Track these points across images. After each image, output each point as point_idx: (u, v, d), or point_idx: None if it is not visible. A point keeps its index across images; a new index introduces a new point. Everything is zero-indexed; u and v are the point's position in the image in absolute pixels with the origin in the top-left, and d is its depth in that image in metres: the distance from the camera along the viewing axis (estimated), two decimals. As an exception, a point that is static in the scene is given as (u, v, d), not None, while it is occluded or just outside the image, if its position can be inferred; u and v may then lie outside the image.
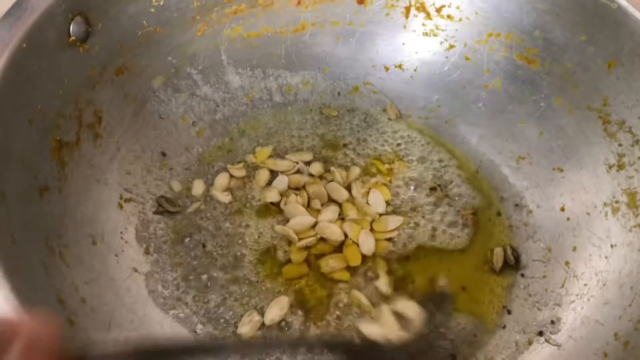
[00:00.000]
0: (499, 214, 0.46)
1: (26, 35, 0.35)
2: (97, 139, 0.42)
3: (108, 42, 0.42)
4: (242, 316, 0.39)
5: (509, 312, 0.41)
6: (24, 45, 0.34)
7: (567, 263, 0.42)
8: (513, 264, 0.43)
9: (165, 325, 0.38)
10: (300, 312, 0.40)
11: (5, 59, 0.33)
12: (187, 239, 0.43)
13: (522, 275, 0.43)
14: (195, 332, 0.38)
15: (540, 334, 0.39)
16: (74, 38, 0.39)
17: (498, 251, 0.44)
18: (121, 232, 0.41)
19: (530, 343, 0.39)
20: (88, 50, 0.40)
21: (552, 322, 0.40)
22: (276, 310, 0.39)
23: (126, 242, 0.41)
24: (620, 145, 0.42)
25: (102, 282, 0.37)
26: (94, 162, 0.41)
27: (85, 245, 0.38)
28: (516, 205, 0.47)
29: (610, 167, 0.43)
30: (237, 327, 0.39)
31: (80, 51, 0.40)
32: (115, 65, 0.43)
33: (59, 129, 0.38)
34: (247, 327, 0.39)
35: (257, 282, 0.41)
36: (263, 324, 0.39)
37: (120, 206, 0.42)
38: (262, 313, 0.39)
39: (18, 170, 0.33)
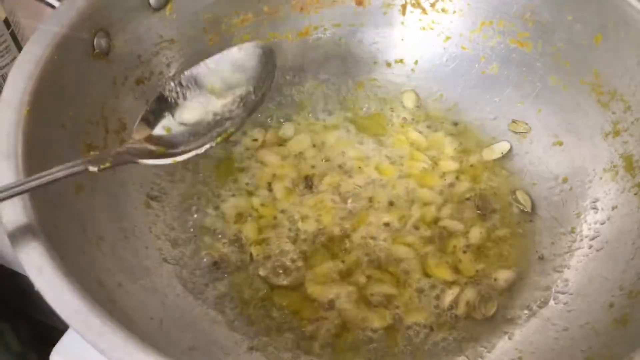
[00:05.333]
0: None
1: (56, 49, 0.38)
2: (122, 144, 0.45)
3: (128, 54, 0.46)
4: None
5: (521, 279, 0.43)
6: (55, 57, 0.38)
7: (572, 229, 0.44)
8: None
9: (195, 307, 0.41)
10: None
11: (40, 71, 0.36)
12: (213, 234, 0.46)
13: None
14: (224, 312, 0.41)
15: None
16: (97, 51, 0.42)
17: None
18: (150, 227, 0.44)
19: (543, 304, 0.41)
20: (111, 62, 0.44)
21: (562, 282, 0.42)
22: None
23: (155, 235, 0.44)
24: (613, 113, 0.44)
25: (135, 270, 0.39)
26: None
27: (119, 238, 0.41)
28: (519, 180, 0.49)
29: (607, 134, 0.45)
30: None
31: (104, 63, 0.43)
32: (135, 76, 0.47)
33: (88, 134, 0.41)
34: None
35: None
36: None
37: (148, 204, 0.45)
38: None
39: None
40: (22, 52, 0.37)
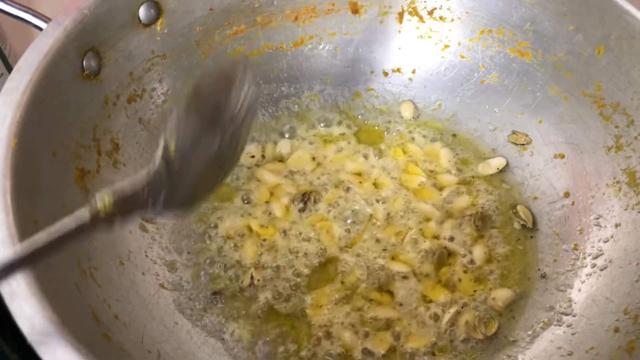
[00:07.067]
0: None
1: (44, 73, 0.37)
2: (116, 165, 0.44)
3: (119, 72, 0.44)
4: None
5: (523, 298, 0.43)
6: (44, 82, 0.37)
7: (575, 246, 0.44)
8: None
9: (194, 335, 0.40)
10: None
11: (28, 97, 0.35)
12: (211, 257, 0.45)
13: (532, 260, 0.44)
14: (223, 339, 0.40)
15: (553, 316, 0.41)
16: (87, 72, 0.41)
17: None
18: (146, 252, 0.43)
19: (546, 326, 0.41)
20: (101, 81, 0.43)
21: (565, 302, 0.41)
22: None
23: (151, 260, 0.43)
24: (616, 127, 0.44)
25: (132, 299, 0.39)
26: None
27: (114, 265, 0.40)
28: (520, 194, 0.48)
29: (609, 149, 0.44)
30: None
31: (94, 83, 0.42)
32: (127, 94, 0.46)
33: (81, 158, 0.40)
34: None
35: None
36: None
37: (143, 227, 0.44)
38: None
39: (48, 200, 0.35)
40: (9, 79, 0.36)
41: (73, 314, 0.30)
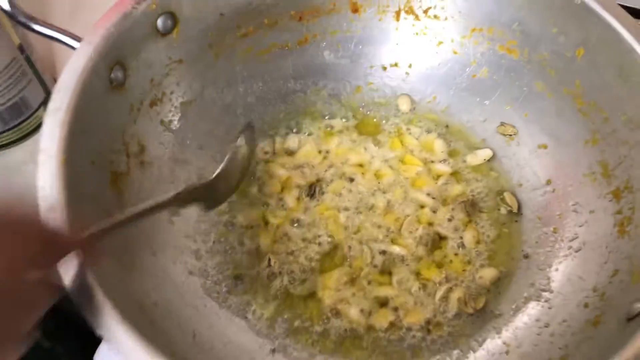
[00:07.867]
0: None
1: (81, 92, 0.41)
2: (143, 165, 0.49)
3: (141, 80, 0.48)
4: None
5: (507, 276, 0.49)
6: (81, 101, 0.41)
7: (555, 229, 0.49)
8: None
9: (221, 315, 0.46)
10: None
11: (70, 115, 0.40)
12: (231, 244, 0.50)
13: (517, 241, 0.50)
14: (247, 318, 0.46)
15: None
16: (115, 84, 0.45)
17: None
18: (174, 243, 0.48)
19: (527, 301, 0.47)
20: (126, 91, 0.47)
21: (545, 280, 0.47)
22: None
23: (179, 249, 0.48)
24: (593, 123, 0.48)
25: (166, 287, 0.44)
26: (143, 186, 0.48)
27: (148, 257, 0.45)
28: (506, 181, 0.53)
29: (586, 142, 0.49)
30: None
31: (120, 93, 0.46)
32: (149, 99, 0.50)
33: (113, 162, 0.45)
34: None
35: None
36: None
37: (171, 220, 0.49)
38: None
39: (91, 206, 0.40)
40: (52, 100, 0.40)
41: (126, 308, 0.35)
